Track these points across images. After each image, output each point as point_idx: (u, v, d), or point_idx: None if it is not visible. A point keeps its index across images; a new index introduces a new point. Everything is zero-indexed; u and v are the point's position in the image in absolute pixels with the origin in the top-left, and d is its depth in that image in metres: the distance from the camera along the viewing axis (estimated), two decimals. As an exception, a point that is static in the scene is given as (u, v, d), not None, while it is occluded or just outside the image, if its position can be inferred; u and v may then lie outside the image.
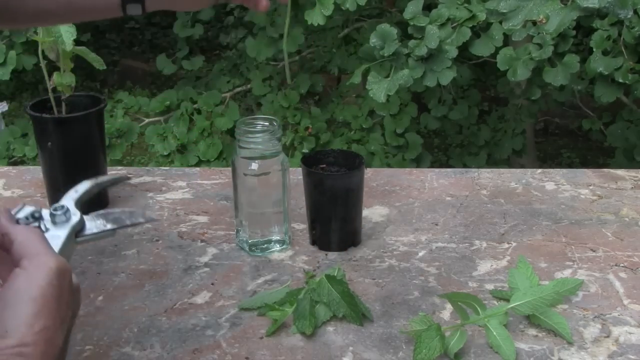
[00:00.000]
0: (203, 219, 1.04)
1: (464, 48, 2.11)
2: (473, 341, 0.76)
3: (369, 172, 1.19)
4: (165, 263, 0.93)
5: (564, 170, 1.22)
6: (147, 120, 3.35)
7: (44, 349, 0.46)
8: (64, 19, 0.84)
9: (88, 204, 0.65)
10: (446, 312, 0.82)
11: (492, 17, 2.03)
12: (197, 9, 0.82)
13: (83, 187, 0.66)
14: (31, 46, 2.85)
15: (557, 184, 1.16)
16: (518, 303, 0.77)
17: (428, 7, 2.19)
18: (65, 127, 1.01)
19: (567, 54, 2.03)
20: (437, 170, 1.22)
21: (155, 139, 3.22)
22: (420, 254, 0.94)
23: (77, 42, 0.99)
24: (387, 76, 2.07)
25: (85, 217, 0.62)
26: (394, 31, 2.06)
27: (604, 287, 0.87)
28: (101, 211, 0.64)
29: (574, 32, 2.04)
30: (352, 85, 2.95)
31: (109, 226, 0.63)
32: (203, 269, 0.91)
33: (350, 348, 0.75)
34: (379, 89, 2.06)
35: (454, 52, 2.05)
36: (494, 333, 0.74)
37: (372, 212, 1.06)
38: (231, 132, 3.23)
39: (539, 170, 1.22)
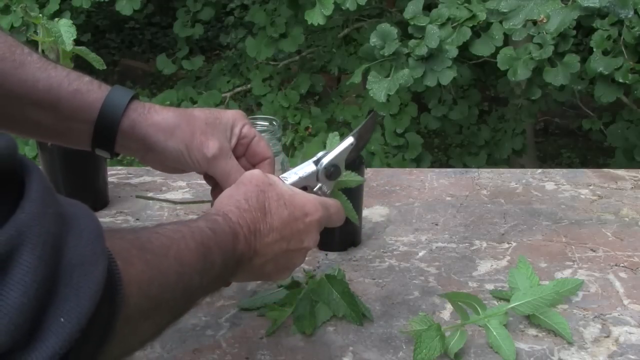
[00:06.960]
0: (203, 219, 1.04)
1: (464, 48, 2.11)
2: (473, 341, 0.76)
3: (369, 172, 1.19)
4: (165, 263, 0.92)
5: (564, 170, 1.22)
6: (147, 120, 3.34)
7: None
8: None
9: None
10: (446, 312, 0.82)
11: (492, 17, 2.03)
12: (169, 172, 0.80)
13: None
14: (31, 46, 2.84)
15: (557, 184, 1.16)
16: (518, 303, 0.77)
17: (428, 7, 2.19)
18: (65, 127, 1.01)
19: (568, 54, 2.03)
20: (437, 170, 1.22)
21: (156, 138, 3.21)
22: (420, 254, 0.94)
23: (77, 42, 0.99)
24: (387, 76, 2.07)
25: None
26: (394, 31, 2.06)
27: (604, 287, 0.87)
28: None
29: (574, 32, 2.04)
30: (352, 85, 2.95)
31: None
32: (203, 269, 0.91)
33: (350, 348, 0.75)
34: (379, 88, 2.06)
35: (454, 52, 2.05)
36: (494, 333, 0.74)
37: (372, 212, 1.06)
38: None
39: (539, 170, 1.22)
